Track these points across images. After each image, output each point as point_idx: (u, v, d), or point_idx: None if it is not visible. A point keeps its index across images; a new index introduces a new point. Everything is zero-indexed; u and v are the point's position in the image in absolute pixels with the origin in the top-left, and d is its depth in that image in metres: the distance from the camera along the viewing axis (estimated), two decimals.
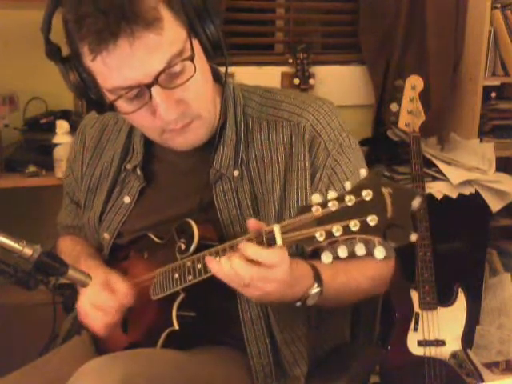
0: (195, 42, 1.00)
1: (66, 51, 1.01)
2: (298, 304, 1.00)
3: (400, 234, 0.75)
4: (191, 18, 0.99)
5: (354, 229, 0.77)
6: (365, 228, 0.76)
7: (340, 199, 0.79)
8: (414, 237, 0.74)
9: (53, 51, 1.01)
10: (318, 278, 0.99)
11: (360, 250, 0.78)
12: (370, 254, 0.78)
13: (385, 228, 0.75)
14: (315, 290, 0.98)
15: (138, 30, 0.91)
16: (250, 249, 0.89)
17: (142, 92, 0.97)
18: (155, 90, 0.95)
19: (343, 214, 0.78)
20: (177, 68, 0.96)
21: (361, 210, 0.77)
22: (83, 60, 0.97)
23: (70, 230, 1.36)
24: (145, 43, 0.92)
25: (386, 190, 0.76)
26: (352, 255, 0.80)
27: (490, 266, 2.53)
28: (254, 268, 0.88)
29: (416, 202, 0.75)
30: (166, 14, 0.94)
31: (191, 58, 0.97)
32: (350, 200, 0.78)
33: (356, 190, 0.78)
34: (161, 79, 0.95)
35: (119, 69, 0.93)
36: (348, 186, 0.80)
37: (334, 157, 1.10)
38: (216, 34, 1.02)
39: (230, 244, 0.96)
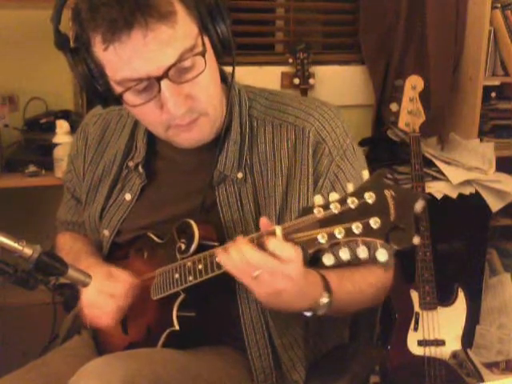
0: (206, 40, 1.00)
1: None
2: (309, 314, 0.98)
3: (403, 237, 0.74)
4: (203, 16, 1.00)
5: (356, 231, 0.77)
6: (367, 230, 0.76)
7: (342, 201, 0.79)
8: (416, 239, 0.74)
9: (62, 41, 1.01)
10: (327, 287, 0.97)
11: (362, 252, 0.78)
12: (372, 256, 0.77)
13: (388, 231, 0.75)
14: (325, 299, 0.96)
15: (152, 22, 0.91)
16: (270, 240, 0.86)
17: (150, 85, 0.97)
18: (165, 83, 0.95)
19: (346, 217, 0.78)
20: (187, 63, 0.96)
21: (363, 212, 0.76)
22: (94, 50, 0.97)
23: (69, 226, 1.36)
24: (158, 36, 0.92)
25: (388, 193, 0.76)
26: (354, 257, 0.79)
27: (490, 266, 2.53)
28: (268, 258, 0.86)
29: (419, 205, 0.75)
30: (180, 9, 0.95)
31: (202, 54, 0.97)
32: (352, 202, 0.77)
33: (359, 193, 0.77)
34: (171, 73, 0.95)
35: (131, 60, 0.93)
36: (350, 188, 0.79)
37: (337, 163, 1.09)
38: (226, 32, 1.02)
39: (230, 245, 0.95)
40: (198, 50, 0.97)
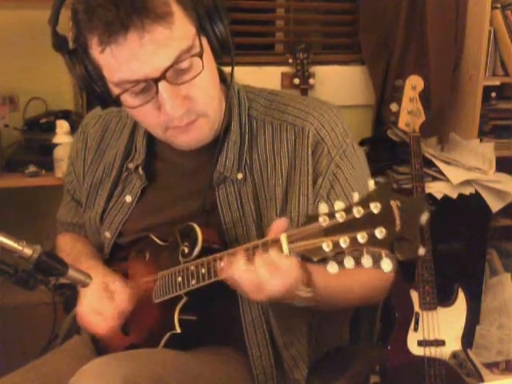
0: (204, 40, 1.00)
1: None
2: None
3: (408, 248, 0.74)
4: (201, 16, 1.00)
5: (361, 241, 0.76)
6: (372, 240, 0.76)
7: (348, 210, 0.78)
8: (422, 250, 0.74)
9: (60, 43, 1.01)
10: (308, 282, 0.97)
11: (367, 261, 0.77)
12: (376, 266, 0.77)
13: (393, 241, 0.75)
14: (304, 293, 0.96)
15: (148, 24, 0.91)
16: (272, 254, 0.87)
17: (148, 87, 0.96)
18: (162, 85, 0.95)
19: (351, 226, 0.78)
20: (185, 64, 0.96)
21: (369, 222, 0.76)
22: (91, 52, 0.97)
23: (69, 227, 1.36)
24: (154, 37, 0.92)
25: (394, 203, 0.75)
26: (358, 266, 0.79)
27: (490, 266, 2.53)
28: (275, 277, 0.87)
29: (424, 216, 0.74)
30: (177, 10, 0.95)
31: (200, 55, 0.97)
32: (358, 212, 0.77)
33: (364, 202, 0.77)
34: (168, 75, 0.95)
35: (127, 62, 0.93)
36: (356, 197, 0.79)
37: (336, 163, 1.09)
38: (224, 33, 1.02)
39: (234, 251, 0.94)
40: (196, 51, 0.97)
